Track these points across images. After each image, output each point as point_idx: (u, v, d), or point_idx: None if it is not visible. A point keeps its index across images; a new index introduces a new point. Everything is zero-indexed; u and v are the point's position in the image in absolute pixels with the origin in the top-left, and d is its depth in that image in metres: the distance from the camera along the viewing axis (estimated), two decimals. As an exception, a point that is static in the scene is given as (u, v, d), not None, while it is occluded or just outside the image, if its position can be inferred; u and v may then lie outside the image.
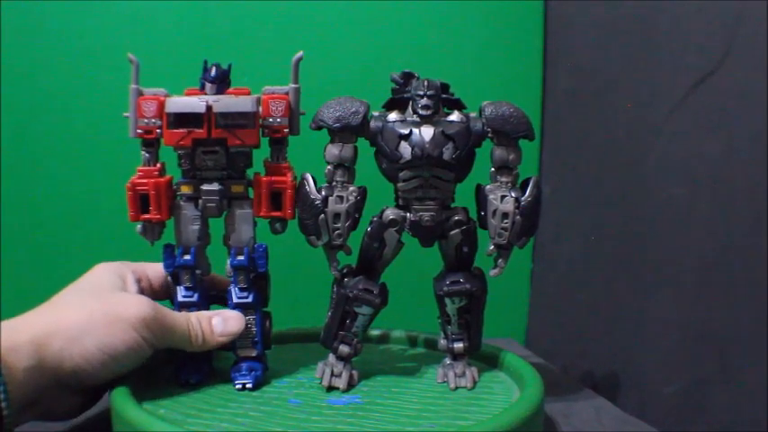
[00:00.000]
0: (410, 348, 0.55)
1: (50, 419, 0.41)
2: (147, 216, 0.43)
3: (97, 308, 0.39)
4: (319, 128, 0.43)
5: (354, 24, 0.73)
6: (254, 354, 0.45)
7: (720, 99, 0.51)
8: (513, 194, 0.43)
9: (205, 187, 0.43)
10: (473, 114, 0.44)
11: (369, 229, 0.44)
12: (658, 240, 0.58)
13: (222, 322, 0.43)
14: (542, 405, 0.41)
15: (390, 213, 0.43)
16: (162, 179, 0.43)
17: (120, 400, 0.39)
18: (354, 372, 0.45)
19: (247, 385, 0.44)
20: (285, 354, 0.53)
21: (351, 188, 0.43)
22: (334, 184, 0.43)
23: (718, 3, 0.51)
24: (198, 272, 0.45)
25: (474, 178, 0.44)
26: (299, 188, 0.43)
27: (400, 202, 0.44)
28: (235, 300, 0.44)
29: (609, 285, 0.65)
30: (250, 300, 0.44)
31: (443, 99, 0.43)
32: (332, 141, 0.43)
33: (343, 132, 0.42)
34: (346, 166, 0.43)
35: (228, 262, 0.45)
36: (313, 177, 0.43)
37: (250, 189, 0.45)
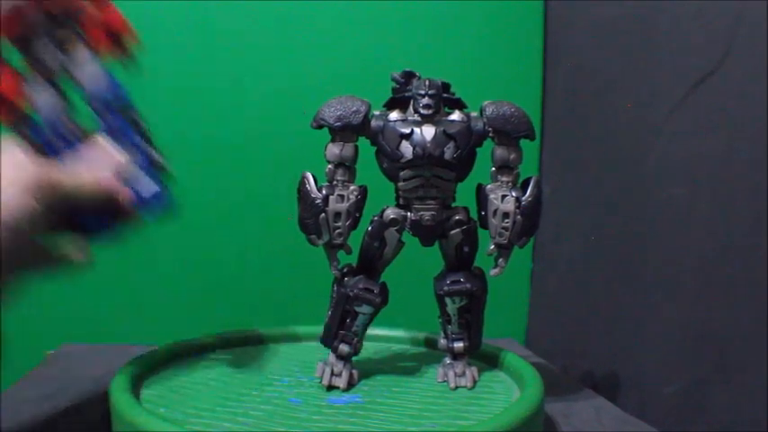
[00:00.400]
0: (410, 348, 0.55)
1: None
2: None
3: None
4: (320, 126, 0.43)
5: (355, 24, 0.73)
6: (151, 184, 0.42)
7: (720, 99, 0.51)
8: (513, 194, 0.43)
9: (35, 51, 0.42)
10: (474, 114, 0.44)
11: (369, 228, 0.44)
12: (658, 240, 0.58)
13: (99, 154, 0.41)
14: (542, 405, 0.41)
15: (391, 213, 0.43)
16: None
17: (121, 400, 0.39)
18: (354, 371, 0.45)
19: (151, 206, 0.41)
20: (285, 353, 0.53)
21: (351, 187, 0.43)
22: (334, 183, 0.43)
23: (718, 3, 0.51)
24: (67, 129, 0.43)
25: (475, 178, 0.44)
26: (300, 187, 0.43)
27: (401, 201, 0.44)
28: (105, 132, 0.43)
29: (609, 285, 0.65)
30: (117, 124, 0.42)
31: (444, 98, 0.43)
32: (333, 140, 0.43)
33: (344, 131, 0.42)
34: (347, 166, 0.43)
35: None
36: (314, 176, 0.43)
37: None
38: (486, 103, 0.43)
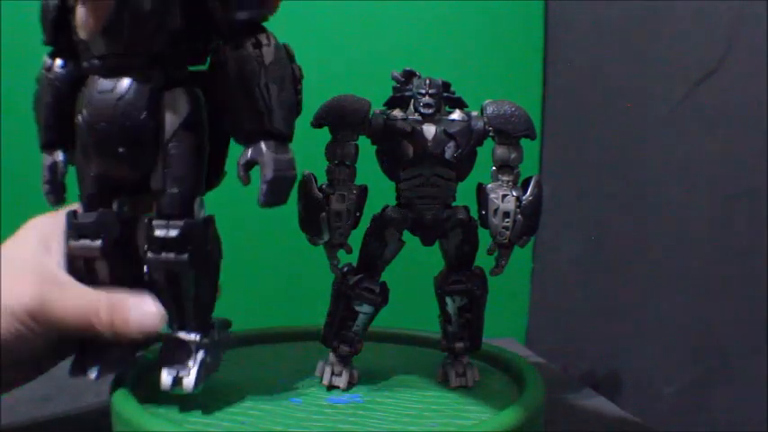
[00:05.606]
0: (410, 347, 0.55)
1: None
2: None
3: None
4: (320, 126, 0.42)
5: (355, 24, 0.73)
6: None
7: (720, 99, 0.51)
8: (514, 193, 0.43)
9: None
10: (474, 113, 0.43)
11: (370, 227, 0.43)
12: (658, 240, 0.58)
13: (140, 315, 0.37)
14: (543, 404, 0.41)
15: (391, 212, 0.43)
16: None
17: (121, 400, 0.38)
18: (355, 371, 0.45)
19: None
20: (285, 353, 0.53)
21: (352, 186, 0.43)
22: (335, 182, 0.43)
23: (718, 3, 0.51)
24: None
25: (475, 177, 0.44)
26: (301, 187, 0.43)
27: (401, 200, 0.44)
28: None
29: (609, 285, 0.65)
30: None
31: (445, 98, 0.43)
32: (333, 139, 0.43)
33: (344, 130, 0.42)
34: (347, 165, 0.43)
35: None
36: (314, 176, 0.43)
37: None
38: (486, 102, 0.43)
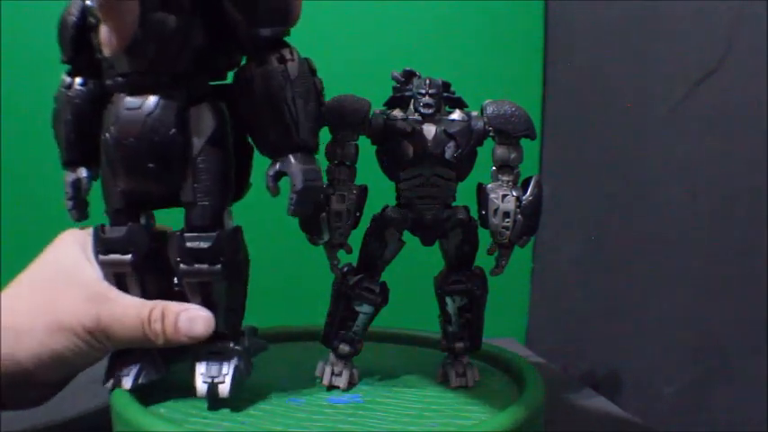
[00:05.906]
0: (410, 347, 0.55)
1: (5, 409, 0.40)
2: None
3: (41, 309, 0.37)
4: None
5: (355, 23, 0.73)
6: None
7: (720, 99, 0.51)
8: (514, 193, 0.43)
9: None
10: (474, 113, 0.44)
11: (370, 227, 0.44)
12: (658, 240, 0.58)
13: (189, 321, 0.38)
14: (543, 404, 0.41)
15: (391, 212, 0.43)
16: None
17: (121, 400, 0.38)
18: (355, 371, 0.45)
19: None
20: (285, 353, 0.53)
21: (352, 186, 0.43)
22: (335, 182, 0.43)
23: (718, 3, 0.51)
24: None
25: (475, 177, 0.44)
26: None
27: (401, 200, 0.44)
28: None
29: (609, 285, 0.65)
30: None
31: (445, 98, 0.43)
32: (333, 140, 0.43)
33: (344, 130, 0.42)
34: (347, 165, 0.43)
35: None
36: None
37: None
38: (486, 102, 0.43)
